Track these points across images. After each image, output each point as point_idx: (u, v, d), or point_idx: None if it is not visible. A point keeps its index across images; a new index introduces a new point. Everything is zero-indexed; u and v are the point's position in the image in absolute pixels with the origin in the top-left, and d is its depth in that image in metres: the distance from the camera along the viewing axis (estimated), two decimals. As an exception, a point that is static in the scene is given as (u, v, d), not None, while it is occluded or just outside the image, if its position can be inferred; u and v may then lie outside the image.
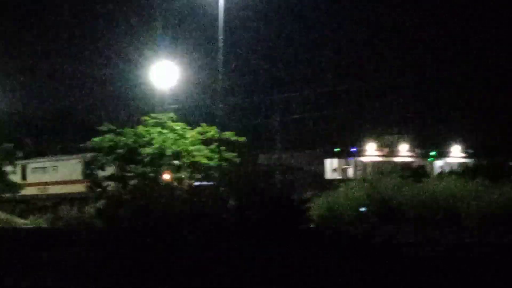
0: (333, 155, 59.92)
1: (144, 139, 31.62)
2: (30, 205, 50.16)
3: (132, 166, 31.33)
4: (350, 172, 57.22)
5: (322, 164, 59.75)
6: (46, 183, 50.24)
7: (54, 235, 27.41)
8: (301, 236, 13.49)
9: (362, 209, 27.90)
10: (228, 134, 33.25)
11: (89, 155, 35.46)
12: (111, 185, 31.18)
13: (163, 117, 33.18)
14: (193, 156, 31.65)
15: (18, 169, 41.78)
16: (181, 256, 14.71)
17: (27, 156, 51.26)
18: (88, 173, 33.52)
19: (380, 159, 59.30)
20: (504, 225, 24.38)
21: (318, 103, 56.46)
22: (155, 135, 31.60)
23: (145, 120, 32.96)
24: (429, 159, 62.80)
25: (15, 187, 41.92)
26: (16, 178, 43.84)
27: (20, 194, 45.47)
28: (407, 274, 11.97)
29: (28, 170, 50.72)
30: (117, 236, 16.92)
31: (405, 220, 27.38)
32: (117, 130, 32.31)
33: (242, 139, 34.02)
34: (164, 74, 37.80)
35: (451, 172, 36.76)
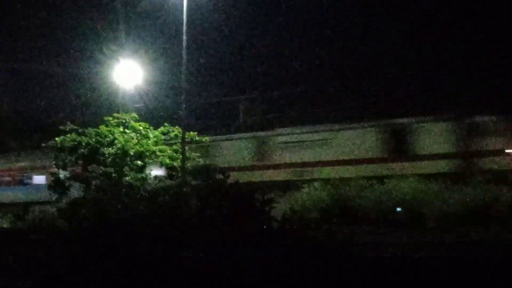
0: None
1: (107, 139, 31.45)
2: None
3: (95, 166, 31.17)
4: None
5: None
6: None
7: (14, 235, 27.27)
8: (262, 235, 13.56)
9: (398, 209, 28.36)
10: (191, 135, 33.25)
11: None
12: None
13: (126, 117, 33.04)
14: (156, 156, 31.57)
15: None
16: (139, 255, 14.69)
17: None
18: (50, 173, 33.22)
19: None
20: (465, 226, 24.71)
21: (280, 103, 56.60)
22: (118, 135, 31.45)
23: (108, 120, 32.79)
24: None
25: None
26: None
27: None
28: (364, 274, 12.08)
29: None
30: (78, 236, 16.85)
31: (367, 222, 27.66)
32: (80, 130, 32.11)
33: (206, 139, 34.03)
34: (127, 74, 37.73)
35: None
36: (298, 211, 15.83)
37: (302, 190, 32.04)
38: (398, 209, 26.54)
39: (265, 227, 14.18)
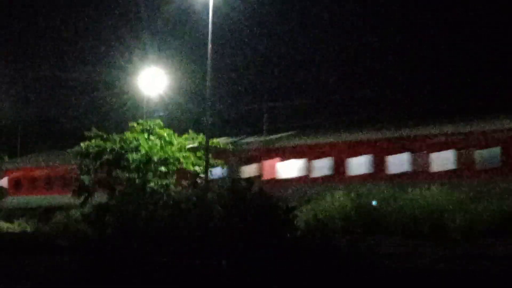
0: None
1: (131, 145, 31.59)
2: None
3: (119, 171, 31.33)
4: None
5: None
6: None
7: (38, 240, 27.44)
8: (286, 244, 13.56)
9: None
10: (215, 142, 33.32)
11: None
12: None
13: (150, 123, 33.18)
14: (180, 163, 31.66)
15: None
16: (164, 263, 14.73)
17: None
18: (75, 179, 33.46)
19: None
20: (490, 237, 24.47)
21: (309, 111, 56.50)
22: (142, 141, 31.58)
23: (132, 127, 32.94)
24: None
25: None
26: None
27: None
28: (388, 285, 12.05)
29: None
30: (102, 242, 16.92)
31: (390, 232, 27.49)
32: (104, 135, 32.28)
33: (229, 146, 34.10)
34: (152, 80, 37.91)
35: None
36: (321, 219, 15.82)
37: (325, 198, 31.92)
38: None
39: (288, 235, 14.18)
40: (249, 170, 42.21)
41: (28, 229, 41.76)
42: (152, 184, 30.50)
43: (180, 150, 32.36)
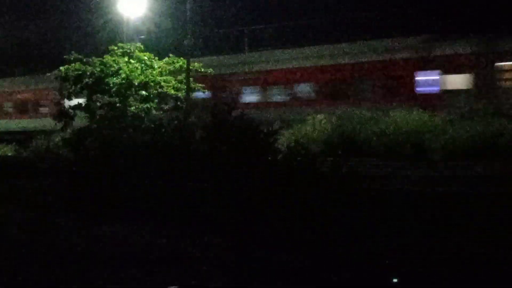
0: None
1: (111, 68, 31.36)
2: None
3: (99, 96, 31.20)
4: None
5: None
6: None
7: (19, 164, 27.38)
8: (266, 166, 13.60)
9: None
10: (196, 66, 33.13)
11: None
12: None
13: (130, 47, 32.88)
14: (161, 87, 31.54)
15: None
16: (144, 185, 14.78)
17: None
18: (55, 103, 33.30)
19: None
20: (467, 159, 24.72)
21: (292, 35, 55.96)
22: (123, 64, 31.35)
23: (112, 50, 32.64)
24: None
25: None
26: None
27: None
28: (368, 206, 12.15)
29: None
30: (82, 166, 16.93)
31: (371, 155, 27.71)
32: (84, 59, 31.99)
33: (210, 70, 33.91)
34: (132, 3, 37.40)
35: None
36: (303, 143, 15.83)
37: (306, 122, 32.01)
38: None
39: (269, 158, 14.21)
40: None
41: (9, 154, 41.64)
42: (133, 108, 30.41)
43: (161, 74, 32.19)
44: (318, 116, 32.34)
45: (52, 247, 11.27)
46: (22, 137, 47.37)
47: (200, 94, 35.11)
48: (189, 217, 13.17)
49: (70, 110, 30.98)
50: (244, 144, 14.15)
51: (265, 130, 14.79)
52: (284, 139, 24.46)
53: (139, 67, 31.60)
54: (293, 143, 14.93)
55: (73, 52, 32.17)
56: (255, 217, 12.28)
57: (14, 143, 45.52)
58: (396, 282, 8.64)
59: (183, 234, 11.95)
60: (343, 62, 39.01)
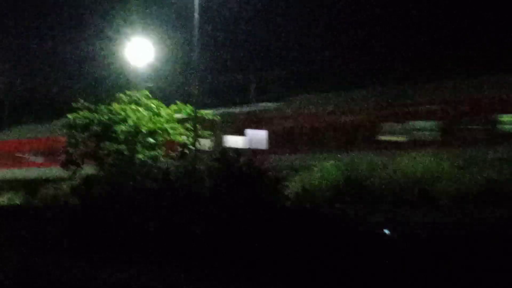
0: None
1: (119, 116, 31.50)
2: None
3: (107, 143, 31.27)
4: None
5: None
6: None
7: (26, 212, 27.40)
8: (275, 213, 13.58)
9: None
10: (203, 113, 33.23)
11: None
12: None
13: (138, 94, 33.06)
14: (168, 134, 31.63)
15: None
16: (154, 232, 14.76)
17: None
18: (63, 151, 33.31)
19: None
20: (478, 205, 24.59)
21: (296, 83, 56.24)
22: (130, 112, 31.49)
23: (120, 98, 32.82)
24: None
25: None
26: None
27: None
28: (376, 251, 12.09)
29: None
30: (90, 212, 16.94)
31: (380, 201, 27.58)
32: (92, 107, 32.17)
33: (218, 117, 34.02)
34: (139, 51, 37.66)
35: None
36: (310, 190, 15.86)
37: (314, 169, 31.93)
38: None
39: (277, 205, 14.21)
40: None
41: (17, 202, 41.71)
42: (140, 155, 30.47)
43: (168, 121, 32.29)
44: (325, 163, 32.27)
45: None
46: (31, 185, 47.56)
47: (207, 141, 35.16)
48: (193, 261, 13.12)
49: (78, 158, 31.07)
50: (252, 191, 14.17)
51: (272, 177, 14.83)
52: (293, 185, 24.42)
53: (147, 115, 31.73)
54: (300, 190, 14.97)
55: (81, 100, 32.37)
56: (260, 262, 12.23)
57: (22, 191, 45.66)
58: None
59: (185, 278, 11.91)
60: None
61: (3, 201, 43.76)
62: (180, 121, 32.99)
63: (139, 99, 32.74)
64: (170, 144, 32.01)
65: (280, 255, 12.20)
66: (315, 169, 31.61)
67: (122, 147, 30.73)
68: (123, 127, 30.95)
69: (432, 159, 29.42)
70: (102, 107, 32.13)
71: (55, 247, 16.58)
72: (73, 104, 32.31)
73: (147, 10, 51.83)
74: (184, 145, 31.94)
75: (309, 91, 45.61)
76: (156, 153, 30.72)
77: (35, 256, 15.73)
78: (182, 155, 31.66)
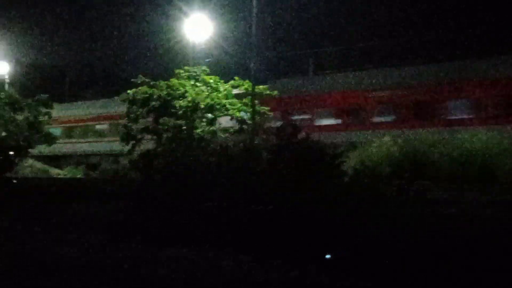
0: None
1: (178, 92, 31.75)
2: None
3: (166, 118, 31.55)
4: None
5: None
6: None
7: (87, 186, 27.80)
8: (332, 189, 13.49)
9: None
10: (261, 88, 33.25)
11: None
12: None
13: (196, 70, 33.25)
14: (227, 109, 31.75)
15: None
16: (210, 211, 14.80)
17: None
18: (123, 125, 33.73)
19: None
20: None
21: (353, 57, 55.87)
22: (189, 88, 31.70)
23: (179, 73, 33.04)
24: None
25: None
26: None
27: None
28: (434, 230, 11.90)
29: None
30: (149, 188, 17.06)
31: (438, 178, 27.23)
32: (151, 82, 32.46)
33: (275, 93, 34.00)
34: (198, 27, 37.80)
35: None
36: (369, 166, 15.72)
37: (372, 145, 31.72)
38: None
39: (335, 181, 14.12)
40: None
41: (78, 176, 42.42)
42: (199, 130, 30.67)
43: (226, 96, 32.41)
44: (385, 138, 32.03)
45: (118, 270, 11.34)
46: (90, 160, 48.26)
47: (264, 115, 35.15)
48: (253, 240, 13.11)
49: (137, 133, 31.44)
50: (310, 166, 14.10)
51: (330, 153, 14.73)
52: (351, 161, 24.27)
53: (205, 90, 31.90)
54: (358, 166, 14.84)
55: (140, 75, 32.68)
56: (319, 241, 12.16)
57: (83, 165, 46.40)
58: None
59: (248, 258, 11.90)
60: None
61: (65, 174, 44.54)
62: (238, 97, 33.08)
63: (197, 74, 32.93)
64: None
65: (338, 232, 12.13)
66: (374, 145, 31.40)
67: (181, 122, 30.97)
68: (181, 103, 31.19)
69: (493, 135, 28.91)
70: (162, 82, 32.41)
71: (115, 225, 16.74)
72: (133, 80, 32.65)
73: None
74: (242, 121, 32.02)
75: (362, 67, 45.19)
76: (214, 128, 30.88)
77: (95, 235, 15.91)
78: (241, 130, 31.77)
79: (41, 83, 69.40)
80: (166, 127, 31.28)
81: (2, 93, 43.04)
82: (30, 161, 44.84)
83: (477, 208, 16.36)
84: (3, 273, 10.92)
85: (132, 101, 32.66)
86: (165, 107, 31.72)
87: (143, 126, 32.24)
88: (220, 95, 32.17)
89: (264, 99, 34.16)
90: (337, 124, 41.29)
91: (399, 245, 11.14)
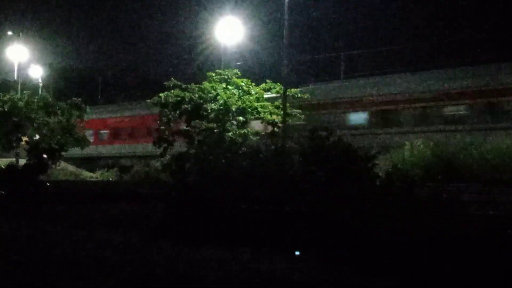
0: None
1: (210, 94, 31.88)
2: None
3: (198, 121, 31.67)
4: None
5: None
6: None
7: (120, 188, 28.03)
8: (365, 192, 13.46)
9: None
10: (293, 91, 33.26)
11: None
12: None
13: (228, 73, 33.33)
14: (258, 112, 31.80)
15: None
16: (242, 213, 14.84)
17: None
18: (155, 128, 33.97)
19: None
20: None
21: (383, 62, 55.64)
22: (220, 91, 31.81)
23: (210, 76, 33.17)
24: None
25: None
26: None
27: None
28: (472, 233, 11.81)
29: None
30: (181, 190, 17.15)
31: (471, 180, 27.02)
32: (183, 85, 32.63)
33: (307, 96, 33.99)
34: (229, 30, 37.92)
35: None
36: (401, 168, 15.64)
37: (404, 147, 31.57)
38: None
39: (368, 184, 14.08)
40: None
41: (110, 178, 42.69)
42: (230, 133, 30.75)
43: (258, 99, 32.47)
44: (416, 141, 31.87)
45: (152, 270, 11.43)
46: (123, 162, 48.62)
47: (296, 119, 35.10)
48: (285, 241, 13.15)
49: (170, 136, 31.63)
50: (343, 168, 14.09)
51: (363, 156, 14.69)
52: (382, 164, 24.17)
53: (236, 93, 32.00)
54: (391, 169, 14.76)
55: (172, 78, 32.87)
56: (351, 241, 12.15)
57: (115, 168, 46.68)
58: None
59: (280, 259, 11.95)
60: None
61: (96, 177, 44.84)
62: (270, 100, 33.12)
63: (229, 77, 33.01)
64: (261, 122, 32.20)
65: (369, 235, 12.11)
66: (406, 147, 31.25)
67: (213, 125, 31.09)
68: (213, 106, 31.31)
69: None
70: (193, 85, 32.56)
71: (148, 226, 16.87)
72: (165, 83, 32.84)
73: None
74: (274, 124, 32.06)
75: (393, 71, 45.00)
76: (246, 131, 30.95)
77: (129, 235, 16.05)
78: (272, 133, 31.80)
79: (74, 86, 70.01)
80: (198, 129, 31.41)
81: (36, 97, 43.54)
82: (63, 164, 45.23)
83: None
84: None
85: (163, 104, 32.83)
86: (197, 110, 31.86)
87: (175, 129, 32.44)
88: (251, 98, 32.25)
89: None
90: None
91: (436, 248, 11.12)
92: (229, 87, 32.56)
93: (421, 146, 31.13)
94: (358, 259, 11.47)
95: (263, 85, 33.68)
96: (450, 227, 11.58)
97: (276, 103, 32.92)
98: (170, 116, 32.53)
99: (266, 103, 32.63)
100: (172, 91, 32.67)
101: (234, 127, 31.34)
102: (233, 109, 31.17)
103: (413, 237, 11.49)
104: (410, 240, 11.50)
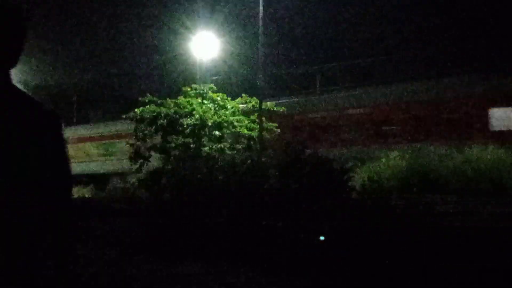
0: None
1: (185, 109, 31.83)
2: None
3: (174, 136, 31.59)
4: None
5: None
6: None
7: (95, 206, 27.88)
8: (341, 205, 13.52)
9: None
10: (269, 105, 33.30)
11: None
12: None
13: (203, 88, 33.31)
14: (234, 127, 31.79)
15: None
16: (219, 228, 14.84)
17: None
18: (131, 144, 33.85)
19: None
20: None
21: (359, 75, 55.76)
22: (196, 105, 31.78)
23: (186, 91, 33.14)
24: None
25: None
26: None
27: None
28: (445, 243, 11.89)
29: None
30: (158, 206, 17.14)
31: (447, 192, 27.18)
32: (159, 101, 32.56)
33: (283, 109, 34.02)
34: (204, 45, 37.97)
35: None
36: (376, 180, 15.69)
37: (380, 160, 31.70)
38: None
39: (343, 196, 14.16)
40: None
41: (86, 195, 42.53)
42: (206, 148, 30.69)
43: (233, 114, 32.46)
44: (392, 153, 32.02)
45: (128, 284, 11.37)
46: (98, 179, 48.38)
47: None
48: (262, 256, 13.14)
49: (145, 151, 31.53)
50: (318, 182, 14.13)
51: (338, 169, 14.77)
52: (358, 176, 24.27)
53: (212, 108, 31.98)
54: (366, 181, 14.82)
55: (147, 94, 32.81)
56: (331, 258, 12.17)
57: (91, 184, 46.47)
58: None
59: (258, 274, 11.94)
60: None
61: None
62: (246, 114, 33.12)
63: (205, 92, 32.98)
64: (237, 137, 32.15)
65: (344, 247, 12.14)
66: (382, 160, 31.38)
67: (189, 140, 31.03)
68: (189, 121, 31.26)
69: (505, 151, 28.81)
70: (169, 101, 32.49)
71: (124, 242, 16.80)
72: (140, 99, 32.75)
73: (212, 4, 52.09)
74: (250, 138, 32.05)
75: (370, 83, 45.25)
76: (222, 146, 30.89)
77: (106, 251, 15.98)
78: (248, 147, 31.77)
79: (50, 103, 69.39)
80: (174, 145, 31.32)
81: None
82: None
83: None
84: None
85: (139, 120, 32.73)
86: (172, 125, 31.79)
87: (150, 145, 32.31)
88: (227, 112, 32.23)
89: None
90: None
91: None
92: (205, 101, 32.53)
93: (397, 158, 31.28)
94: (335, 274, 11.49)
95: (239, 99, 33.67)
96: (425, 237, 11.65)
97: (252, 117, 32.93)
98: (146, 131, 32.43)
99: (242, 117, 32.62)
100: (148, 106, 32.59)
101: (210, 141, 31.29)
102: (209, 124, 31.12)
103: (388, 250, 11.54)
104: (385, 252, 11.55)
